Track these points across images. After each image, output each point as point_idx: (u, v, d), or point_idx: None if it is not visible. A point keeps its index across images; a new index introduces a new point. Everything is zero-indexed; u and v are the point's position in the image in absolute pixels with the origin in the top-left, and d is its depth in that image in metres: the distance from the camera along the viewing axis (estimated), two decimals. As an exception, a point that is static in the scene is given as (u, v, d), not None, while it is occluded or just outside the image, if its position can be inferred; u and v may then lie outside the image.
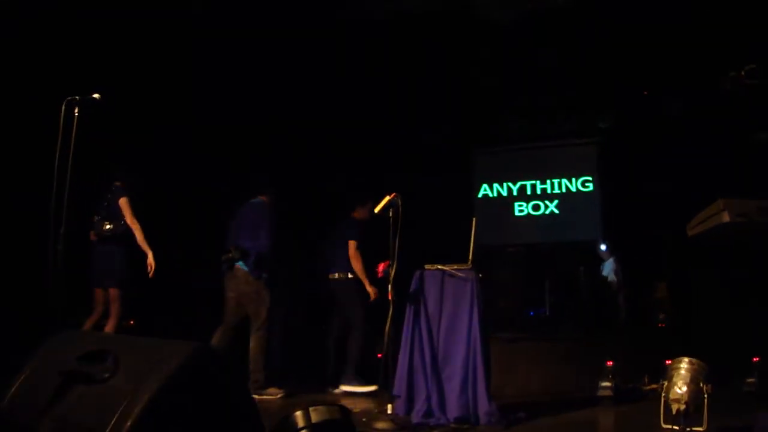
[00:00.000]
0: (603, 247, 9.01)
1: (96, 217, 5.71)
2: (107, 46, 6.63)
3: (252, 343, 5.93)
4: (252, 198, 6.32)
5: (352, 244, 6.35)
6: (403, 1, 7.54)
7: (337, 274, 6.46)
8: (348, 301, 6.40)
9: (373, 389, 5.88)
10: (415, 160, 9.68)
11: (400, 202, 4.93)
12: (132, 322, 6.71)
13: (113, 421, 2.09)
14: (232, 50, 7.55)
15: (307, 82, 8.32)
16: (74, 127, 4.47)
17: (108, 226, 5.63)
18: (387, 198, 4.97)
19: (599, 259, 9.12)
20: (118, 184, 5.77)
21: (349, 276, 6.36)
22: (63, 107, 4.46)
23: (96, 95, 4.56)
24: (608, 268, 8.81)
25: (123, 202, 5.64)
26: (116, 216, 5.64)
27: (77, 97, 4.50)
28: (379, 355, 5.35)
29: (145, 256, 5.61)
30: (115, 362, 2.33)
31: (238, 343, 6.03)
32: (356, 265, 6.31)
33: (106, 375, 2.29)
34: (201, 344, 2.40)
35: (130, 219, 5.62)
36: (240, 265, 5.97)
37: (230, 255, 5.96)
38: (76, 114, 4.49)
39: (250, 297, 5.98)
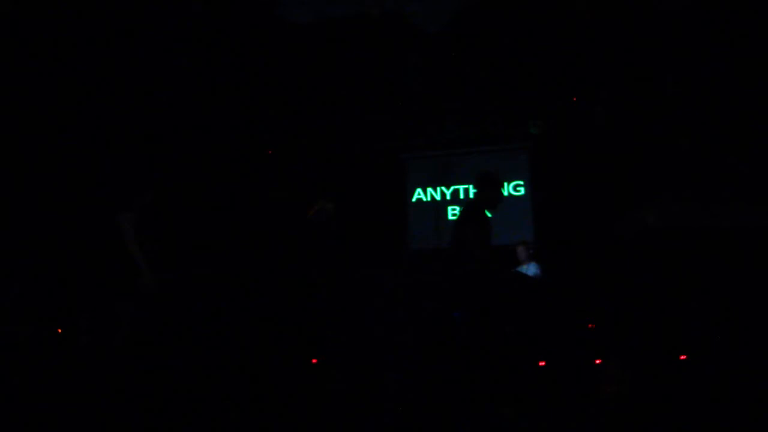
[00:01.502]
0: (523, 251, 8.91)
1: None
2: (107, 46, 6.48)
3: None
4: None
5: None
6: (334, 6, 7.53)
7: None
8: None
9: None
10: (349, 165, 9.66)
11: (332, 207, 4.90)
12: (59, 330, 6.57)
13: None
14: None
15: (241, 83, 8.25)
16: None
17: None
18: (320, 202, 4.93)
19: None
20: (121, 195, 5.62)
21: None
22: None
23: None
24: (531, 272, 8.78)
25: (120, 217, 5.46)
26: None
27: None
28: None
29: None
30: None
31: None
32: None
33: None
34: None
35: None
36: None
37: None
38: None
39: None
